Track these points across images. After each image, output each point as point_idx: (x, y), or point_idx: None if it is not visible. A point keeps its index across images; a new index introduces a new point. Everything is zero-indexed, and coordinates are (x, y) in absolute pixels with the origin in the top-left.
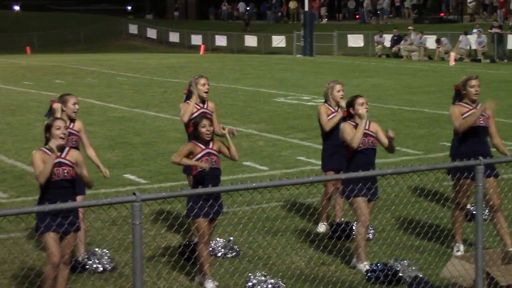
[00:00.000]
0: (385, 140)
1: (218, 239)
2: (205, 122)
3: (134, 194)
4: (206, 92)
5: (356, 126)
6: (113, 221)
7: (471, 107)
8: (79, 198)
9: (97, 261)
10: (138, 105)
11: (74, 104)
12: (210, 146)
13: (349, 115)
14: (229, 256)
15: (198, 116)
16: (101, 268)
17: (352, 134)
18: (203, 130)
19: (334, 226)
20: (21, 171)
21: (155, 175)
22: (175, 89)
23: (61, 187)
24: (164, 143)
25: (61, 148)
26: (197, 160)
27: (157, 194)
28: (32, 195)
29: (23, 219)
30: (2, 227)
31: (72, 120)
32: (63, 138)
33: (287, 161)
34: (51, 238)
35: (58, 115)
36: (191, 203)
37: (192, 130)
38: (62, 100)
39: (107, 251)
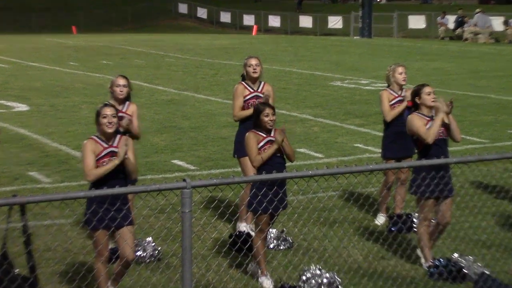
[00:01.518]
0: (457, 132)
1: (270, 229)
2: (268, 110)
3: (184, 180)
4: (255, 73)
5: (425, 118)
6: (161, 208)
7: None
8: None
9: (144, 251)
10: (188, 88)
11: (119, 86)
12: (272, 134)
13: (414, 105)
14: (282, 248)
15: (259, 103)
16: (148, 259)
17: (423, 128)
18: (266, 119)
19: (394, 218)
20: (65, 155)
21: (204, 161)
22: (226, 71)
23: (113, 177)
24: (214, 127)
25: (111, 137)
26: (260, 148)
27: (208, 180)
28: (77, 180)
29: (68, 205)
30: (46, 212)
31: (124, 102)
32: (110, 126)
33: (343, 148)
34: (103, 234)
35: None
36: (251, 195)
37: (253, 117)
38: (111, 81)
39: (152, 241)
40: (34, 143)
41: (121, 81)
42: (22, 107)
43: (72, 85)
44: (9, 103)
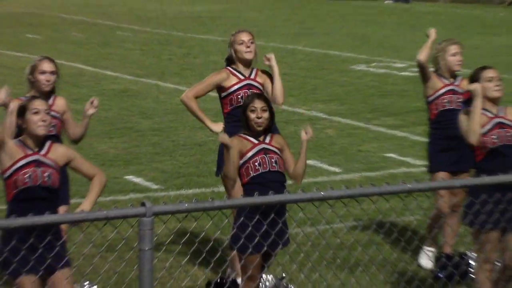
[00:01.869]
0: None
1: (266, 276)
2: (257, 103)
3: (143, 204)
4: (249, 52)
5: (487, 115)
6: (110, 245)
7: None
8: (62, 209)
9: None
10: (149, 73)
11: (45, 72)
12: (267, 140)
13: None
14: None
15: (245, 93)
16: None
17: (473, 125)
18: (252, 116)
19: (442, 259)
20: None
21: (172, 178)
22: (202, 49)
23: (38, 197)
24: (187, 129)
25: (39, 142)
26: (248, 160)
27: (176, 205)
28: None
29: None
30: None
31: (48, 97)
32: (43, 127)
33: (369, 159)
34: (28, 282)
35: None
36: (237, 226)
37: (240, 115)
38: (31, 66)
39: None
40: None
41: (48, 66)
42: None
43: None
44: None
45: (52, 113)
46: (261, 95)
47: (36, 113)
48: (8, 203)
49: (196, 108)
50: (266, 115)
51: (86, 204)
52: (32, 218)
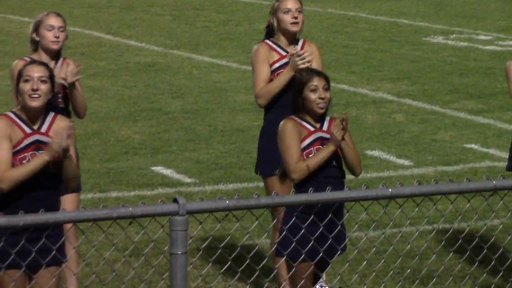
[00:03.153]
0: None
1: (319, 286)
2: (317, 82)
3: (175, 200)
4: (295, 24)
5: None
6: (135, 248)
7: None
8: (69, 198)
9: None
10: (180, 44)
11: (52, 28)
12: (325, 127)
13: None
14: None
15: (302, 70)
16: None
17: None
18: (313, 96)
19: None
20: None
21: (208, 169)
22: (246, 15)
23: (38, 187)
24: (226, 112)
25: (37, 116)
26: (302, 151)
27: (214, 202)
28: None
29: None
30: None
31: (56, 60)
32: (35, 98)
33: (446, 150)
34: (8, 277)
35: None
36: (287, 228)
37: (293, 94)
38: (36, 22)
39: None
40: None
41: (55, 20)
42: None
43: None
44: None
45: (60, 80)
46: (320, 72)
47: (26, 80)
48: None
49: (277, 87)
50: (328, 94)
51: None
52: (44, 215)
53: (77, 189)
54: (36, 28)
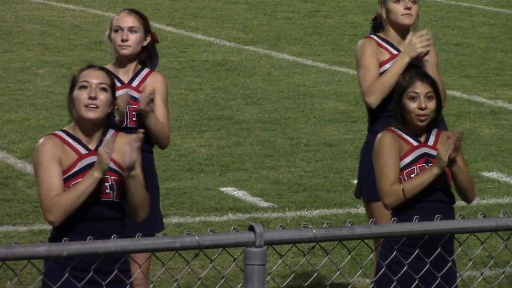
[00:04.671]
0: None
1: None
2: (419, 87)
3: (251, 228)
4: (407, 16)
5: None
6: (201, 285)
7: None
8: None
9: None
10: (257, 39)
11: (120, 29)
12: (431, 141)
13: None
14: None
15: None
16: None
17: None
18: (413, 105)
19: None
20: (3, 169)
21: (289, 191)
22: (338, 5)
23: (96, 218)
24: (311, 122)
25: (93, 132)
26: (402, 169)
27: (298, 231)
28: (28, 221)
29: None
30: None
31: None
32: (91, 107)
33: None
34: None
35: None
36: (386, 264)
37: (394, 104)
38: (111, 23)
39: None
40: None
41: (126, 20)
42: None
43: (18, 26)
44: None
45: (133, 93)
46: (426, 75)
47: (83, 87)
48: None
49: (387, 77)
50: (432, 104)
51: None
52: (92, 244)
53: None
54: (110, 29)
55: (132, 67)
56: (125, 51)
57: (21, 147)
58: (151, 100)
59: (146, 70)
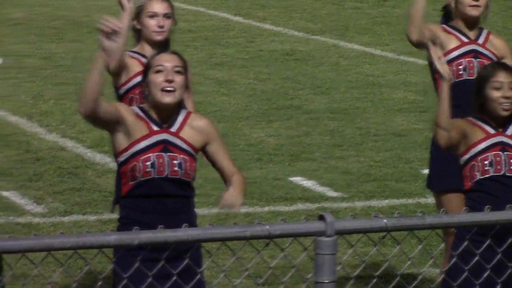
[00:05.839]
0: None
1: None
2: (503, 76)
3: (321, 218)
4: (475, 7)
5: None
6: (271, 275)
7: None
8: None
9: None
10: (325, 28)
11: (155, 15)
12: (509, 132)
13: None
14: None
15: (469, 63)
16: None
17: None
18: (496, 94)
19: None
20: (73, 158)
21: (358, 181)
22: None
23: (164, 194)
24: (380, 112)
25: (170, 113)
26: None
27: (368, 220)
28: (98, 210)
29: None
30: (39, 274)
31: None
32: (171, 92)
33: None
34: None
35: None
36: (457, 254)
37: (476, 93)
38: (137, 7)
39: None
40: (9, 132)
41: (159, 6)
42: None
43: (87, 15)
44: None
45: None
46: (507, 66)
47: (158, 71)
48: (123, 198)
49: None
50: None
51: (235, 193)
52: (162, 233)
53: None
54: (138, 14)
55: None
56: (160, 37)
57: (90, 136)
58: None
59: None
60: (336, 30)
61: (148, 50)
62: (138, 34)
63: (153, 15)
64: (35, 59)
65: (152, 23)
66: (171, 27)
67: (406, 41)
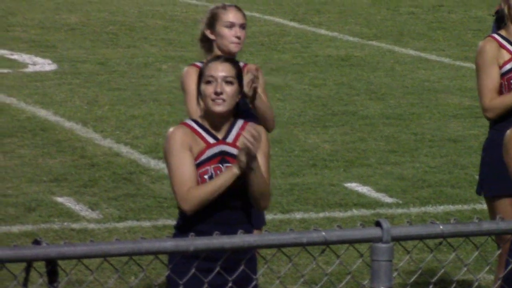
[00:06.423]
0: None
1: None
2: None
3: (378, 224)
4: None
5: None
6: (327, 281)
7: None
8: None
9: None
10: (381, 34)
11: (233, 25)
12: None
13: None
14: None
15: None
16: None
17: None
18: None
19: None
20: (127, 164)
21: (413, 187)
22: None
23: (223, 207)
24: (435, 117)
25: (221, 123)
26: None
27: (425, 227)
28: (152, 216)
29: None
30: (94, 280)
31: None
32: (219, 102)
33: None
34: None
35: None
36: None
37: None
38: (210, 16)
39: None
40: (64, 138)
41: (237, 16)
42: (41, 64)
43: (141, 21)
44: (16, 56)
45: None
46: None
47: (209, 82)
48: (180, 212)
49: (506, 99)
50: None
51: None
52: (218, 239)
53: (260, 224)
54: (211, 24)
55: None
56: (237, 49)
57: (144, 142)
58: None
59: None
60: (391, 35)
61: None
62: (209, 44)
63: (231, 25)
64: (90, 64)
65: (229, 34)
66: (244, 38)
67: (462, 46)
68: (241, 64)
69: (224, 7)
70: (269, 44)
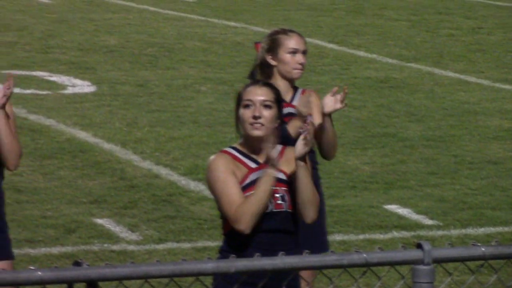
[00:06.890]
0: None
1: None
2: None
3: (419, 246)
4: None
5: None
6: None
7: None
8: None
9: None
10: (420, 56)
11: (297, 51)
12: None
13: None
14: None
15: None
16: None
17: None
18: None
19: None
20: (167, 185)
21: (454, 209)
22: (501, 22)
23: (272, 230)
24: (476, 139)
25: (260, 148)
26: None
27: (466, 249)
28: (192, 237)
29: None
30: None
31: (294, 89)
32: (257, 126)
33: None
34: None
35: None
36: None
37: None
38: (272, 41)
39: None
40: (104, 159)
41: (300, 43)
42: (80, 85)
43: (180, 43)
44: (55, 78)
45: (292, 111)
46: None
47: (247, 106)
48: (225, 236)
49: None
50: None
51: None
52: (259, 261)
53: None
54: (273, 49)
55: (291, 86)
56: (299, 75)
57: (184, 164)
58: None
59: (300, 89)
60: (430, 58)
61: (282, 85)
62: (270, 69)
63: (294, 52)
64: (129, 86)
65: (293, 60)
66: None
67: (501, 68)
68: (300, 90)
69: (285, 33)
70: (307, 66)
